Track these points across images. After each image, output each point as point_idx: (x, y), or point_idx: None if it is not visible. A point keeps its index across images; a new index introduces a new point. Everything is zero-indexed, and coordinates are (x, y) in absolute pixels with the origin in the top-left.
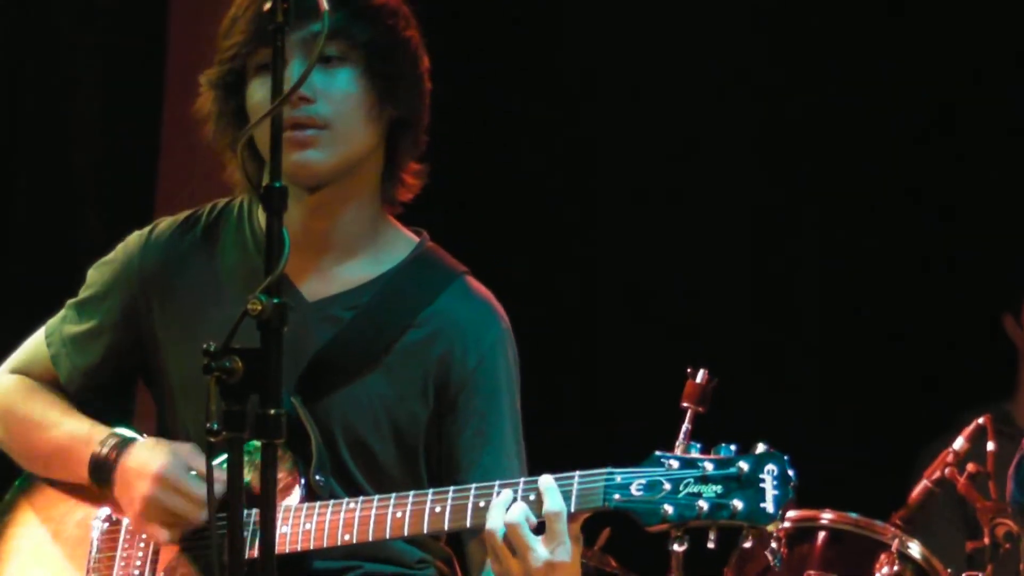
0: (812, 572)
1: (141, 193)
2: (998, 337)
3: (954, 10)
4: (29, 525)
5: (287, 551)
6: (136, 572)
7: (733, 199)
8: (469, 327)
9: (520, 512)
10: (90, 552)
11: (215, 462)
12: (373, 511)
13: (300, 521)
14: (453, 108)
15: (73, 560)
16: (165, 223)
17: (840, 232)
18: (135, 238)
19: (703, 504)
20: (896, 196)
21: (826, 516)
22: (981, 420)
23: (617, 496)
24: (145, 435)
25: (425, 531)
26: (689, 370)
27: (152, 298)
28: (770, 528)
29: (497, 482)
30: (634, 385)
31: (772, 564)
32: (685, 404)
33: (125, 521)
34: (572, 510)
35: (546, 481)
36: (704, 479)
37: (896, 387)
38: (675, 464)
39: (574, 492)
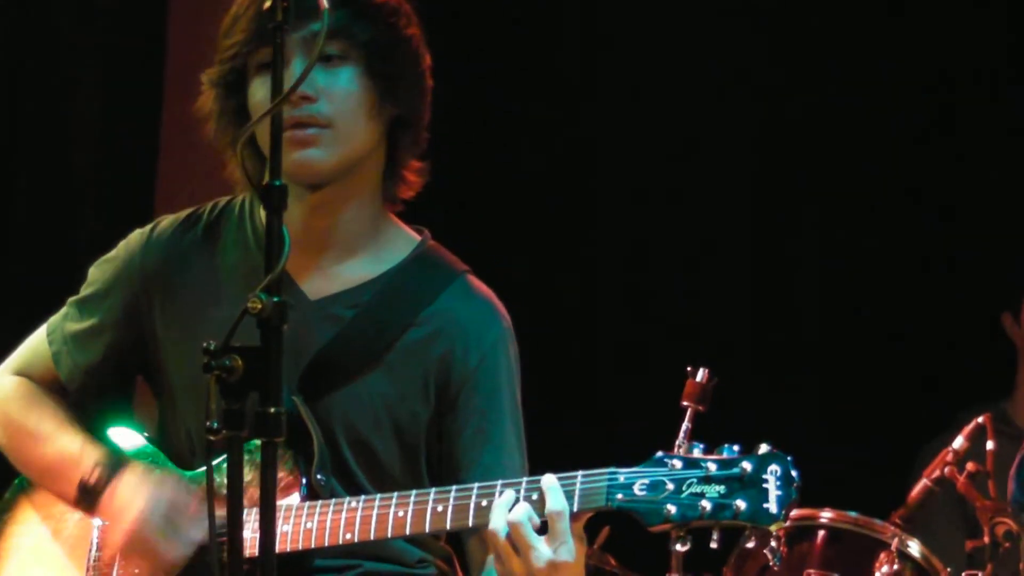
0: (812, 571)
1: (141, 193)
2: (997, 337)
3: (954, 10)
4: (29, 524)
5: (288, 550)
6: (136, 571)
7: (733, 199)
8: (471, 326)
9: (523, 512)
10: (90, 551)
11: (215, 462)
12: (375, 510)
13: (301, 520)
14: (453, 108)
15: (73, 559)
16: (167, 221)
17: (840, 232)
18: (137, 236)
19: (706, 504)
20: (896, 196)
21: (825, 515)
22: (981, 419)
23: (620, 496)
24: (146, 432)
25: (427, 530)
26: (689, 369)
27: (153, 296)
28: (773, 528)
29: (499, 481)
30: (634, 385)
31: (772, 563)
32: (685, 403)
33: None
34: (575, 510)
35: (549, 480)
36: (707, 479)
37: (896, 387)
38: (678, 464)
39: (577, 492)
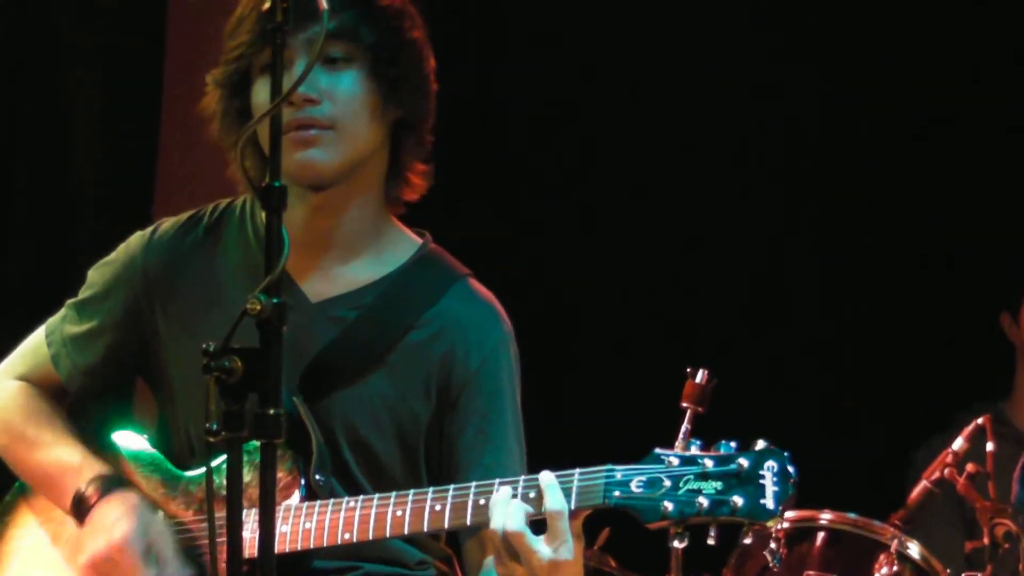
0: (811, 572)
1: (141, 193)
2: (996, 336)
3: (954, 10)
4: (28, 527)
5: (287, 550)
6: None
7: (733, 198)
8: (472, 328)
9: (520, 517)
10: None
11: (213, 464)
12: (373, 510)
13: (300, 520)
14: (453, 107)
15: (72, 562)
16: (167, 223)
17: (839, 230)
18: (137, 238)
19: (703, 501)
20: (895, 194)
21: (825, 516)
22: (980, 420)
23: (617, 493)
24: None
25: (425, 529)
26: (689, 370)
27: (155, 298)
28: (770, 524)
29: (497, 480)
30: (634, 385)
31: (771, 564)
32: (685, 404)
33: None
34: (572, 507)
35: (546, 478)
36: (704, 476)
37: (895, 386)
38: (675, 461)
39: (574, 489)
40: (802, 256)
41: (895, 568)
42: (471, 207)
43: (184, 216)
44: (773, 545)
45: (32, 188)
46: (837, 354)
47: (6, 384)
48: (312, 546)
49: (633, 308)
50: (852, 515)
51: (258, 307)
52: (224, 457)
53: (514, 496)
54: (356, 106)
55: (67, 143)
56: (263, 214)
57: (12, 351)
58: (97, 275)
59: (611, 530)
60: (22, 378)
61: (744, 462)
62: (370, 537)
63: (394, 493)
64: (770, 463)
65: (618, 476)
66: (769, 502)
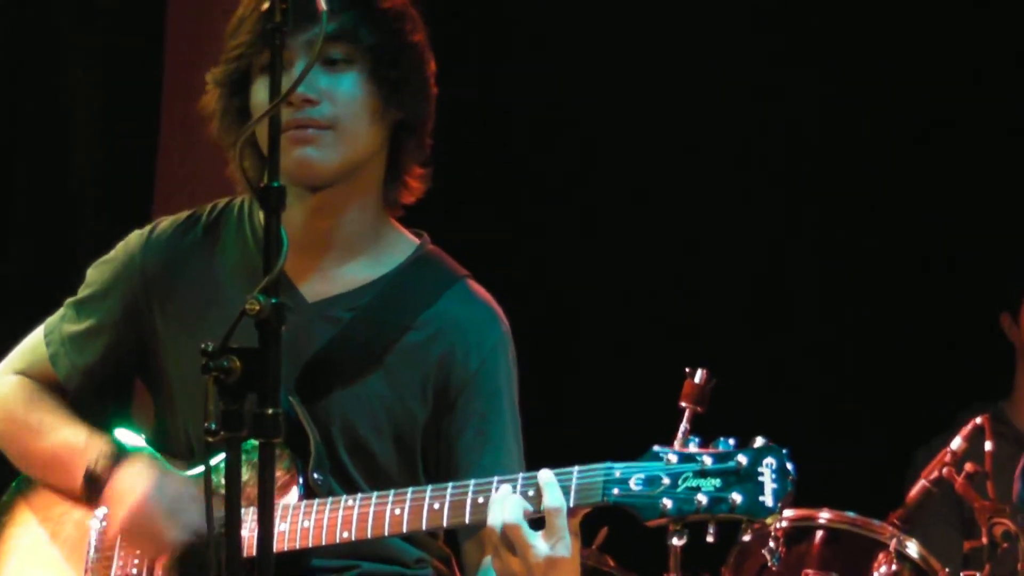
0: (810, 571)
1: (140, 193)
2: (996, 337)
3: (954, 10)
4: (27, 525)
5: (285, 549)
6: (134, 572)
7: (733, 199)
8: (470, 330)
9: (518, 511)
10: (88, 552)
11: (212, 462)
12: (372, 508)
13: (298, 519)
14: (455, 110)
15: (71, 561)
16: (166, 222)
17: (840, 232)
18: (135, 237)
19: (702, 498)
20: (897, 197)
21: (824, 515)
22: (979, 420)
23: (616, 491)
24: (144, 434)
25: (424, 527)
26: (688, 370)
27: (153, 297)
28: (769, 521)
29: (496, 478)
30: (634, 385)
31: (770, 563)
32: (684, 404)
33: None
34: (571, 505)
35: (545, 476)
36: (703, 473)
37: (896, 387)
38: (673, 458)
39: (573, 487)
40: (803, 258)
41: (894, 567)
42: (472, 209)
43: (183, 215)
44: (772, 544)
45: (32, 188)
46: (838, 356)
47: (5, 379)
48: (311, 545)
49: (634, 310)
50: (851, 514)
51: (257, 307)
52: (222, 456)
53: (513, 493)
54: (356, 107)
55: (67, 143)
56: (261, 214)
57: (12, 351)
58: (96, 274)
59: (609, 529)
60: (21, 374)
61: (743, 459)
62: (368, 535)
63: (392, 491)
64: (769, 460)
65: (617, 474)
66: (768, 499)
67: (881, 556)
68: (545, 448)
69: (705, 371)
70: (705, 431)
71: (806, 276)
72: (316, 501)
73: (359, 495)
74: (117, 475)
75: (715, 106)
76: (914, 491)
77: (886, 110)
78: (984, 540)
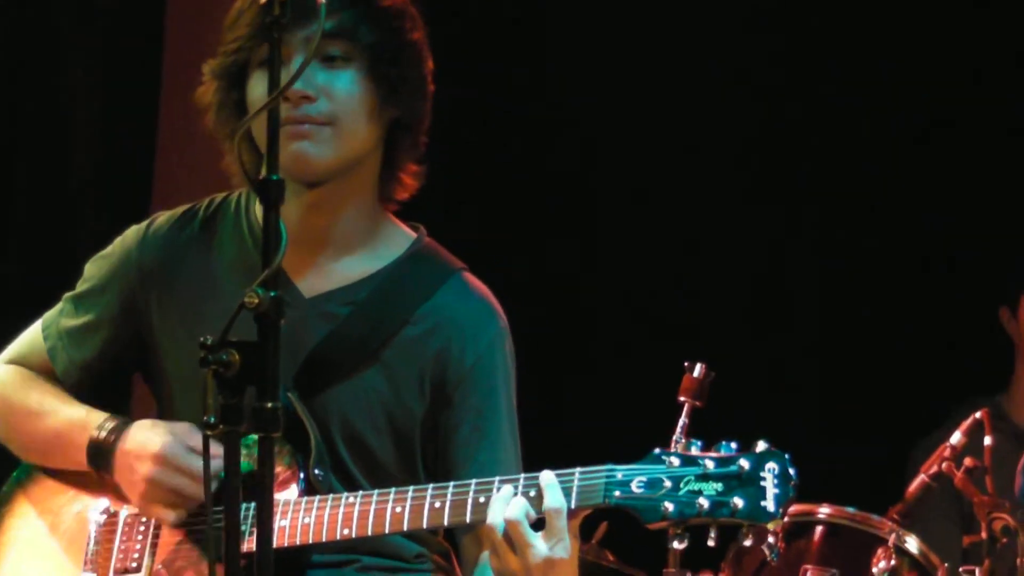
0: (809, 566)
1: (140, 193)
2: (997, 335)
3: (954, 10)
4: (27, 517)
5: (286, 545)
6: (134, 564)
7: (733, 199)
8: (467, 324)
9: (520, 508)
10: (88, 544)
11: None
12: (372, 506)
13: (299, 515)
14: (453, 107)
15: (71, 552)
16: (163, 218)
17: (840, 232)
18: (133, 232)
19: (703, 502)
20: (897, 197)
21: (823, 511)
22: (978, 415)
23: (617, 493)
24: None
25: (424, 526)
26: (686, 364)
27: (150, 292)
28: (770, 526)
29: (497, 478)
30: (634, 385)
31: (769, 559)
32: (682, 398)
33: (123, 513)
34: (572, 507)
35: (547, 477)
36: (705, 477)
37: (896, 387)
38: (676, 461)
39: (575, 489)
40: (803, 258)
41: (893, 562)
42: (472, 209)
43: (179, 211)
44: (771, 539)
45: (32, 188)
46: (838, 356)
47: (2, 368)
48: (311, 541)
49: (634, 310)
50: (850, 509)
51: (256, 300)
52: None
53: (515, 495)
54: (353, 105)
55: (67, 143)
56: (258, 209)
57: (9, 345)
58: (94, 268)
59: (609, 524)
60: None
61: (745, 463)
62: (369, 533)
63: (393, 489)
64: (771, 465)
65: (619, 476)
66: (770, 504)
67: (880, 551)
68: (545, 448)
69: (703, 365)
70: (705, 430)
71: (806, 276)
72: (317, 498)
73: (360, 492)
74: (126, 438)
75: (715, 106)
76: (913, 486)
77: (886, 110)
78: (983, 535)
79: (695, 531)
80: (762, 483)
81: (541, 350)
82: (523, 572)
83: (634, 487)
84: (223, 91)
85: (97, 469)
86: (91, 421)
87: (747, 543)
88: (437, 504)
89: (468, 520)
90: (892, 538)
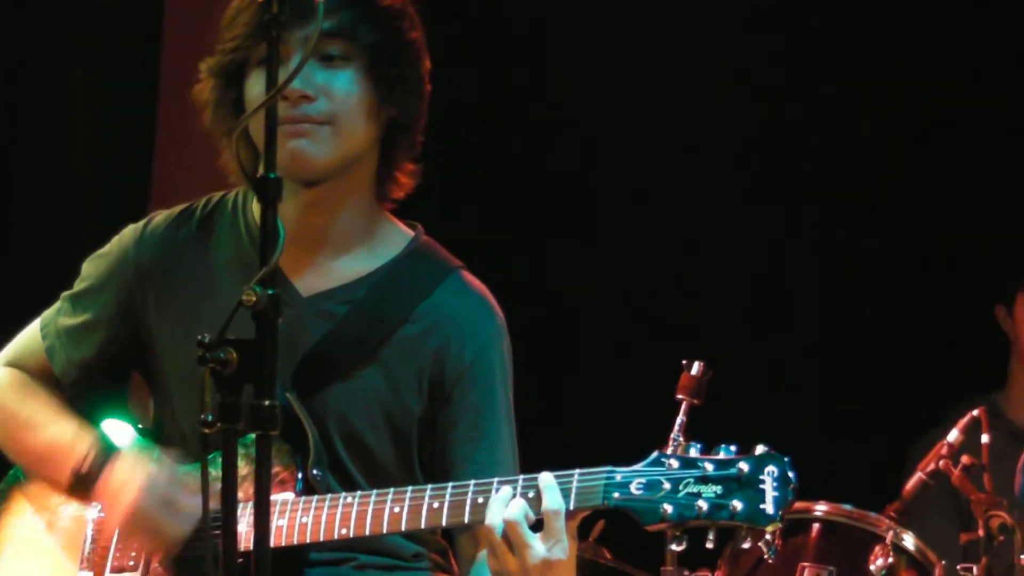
0: (806, 564)
1: (140, 194)
2: (996, 336)
3: (954, 10)
4: (23, 515)
5: (283, 544)
6: (131, 563)
7: (733, 199)
8: (465, 322)
9: (519, 509)
10: (84, 543)
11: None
12: (371, 506)
13: (297, 514)
14: (453, 107)
15: (67, 551)
16: (160, 216)
17: (840, 232)
18: (130, 231)
19: (702, 504)
20: (897, 197)
21: (820, 508)
22: (976, 412)
23: (616, 495)
24: (140, 426)
25: (422, 526)
26: (684, 362)
27: (148, 291)
28: (769, 529)
29: (496, 479)
30: (634, 385)
31: (766, 556)
32: (680, 396)
33: None
34: (571, 508)
35: (546, 479)
36: (704, 479)
37: (897, 389)
38: (675, 464)
39: (573, 490)
40: (803, 258)
41: (890, 560)
42: (472, 209)
43: (176, 209)
44: (768, 537)
45: (32, 188)
46: (838, 356)
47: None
48: (308, 540)
49: (634, 310)
50: (847, 507)
51: (254, 298)
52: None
53: (514, 496)
54: (352, 104)
55: (67, 143)
56: (255, 208)
57: (7, 344)
58: (91, 267)
59: (606, 524)
60: (16, 367)
61: (744, 466)
62: (367, 533)
63: (392, 489)
64: (770, 468)
65: (618, 478)
66: (769, 507)
67: (878, 549)
68: (545, 448)
69: (701, 363)
70: (705, 430)
71: (806, 276)
72: (315, 497)
73: (358, 492)
74: (109, 472)
75: (715, 106)
76: (910, 484)
77: (886, 110)
78: (980, 532)
79: (693, 533)
80: (761, 486)
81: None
82: (521, 573)
83: (633, 489)
84: (221, 89)
85: (77, 498)
86: (78, 446)
87: (745, 546)
88: (435, 504)
89: (466, 521)
90: (889, 536)
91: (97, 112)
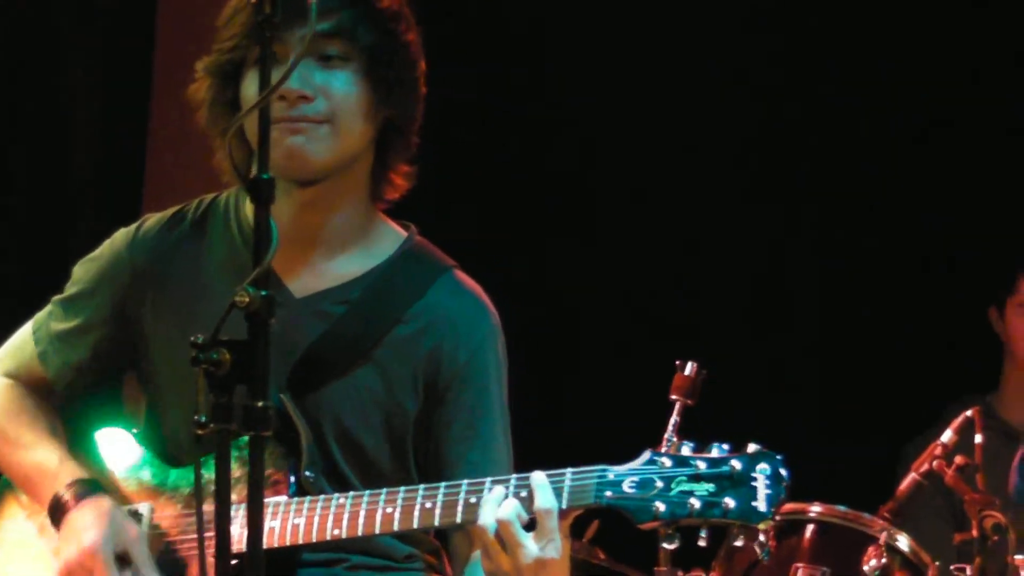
0: (800, 565)
1: (140, 194)
2: (995, 335)
3: (954, 10)
4: (16, 519)
5: (276, 545)
6: None
7: (732, 199)
8: (460, 321)
9: (512, 509)
10: None
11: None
12: (363, 507)
13: (289, 516)
14: (452, 107)
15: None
16: (152, 219)
17: (839, 232)
18: (122, 235)
19: (695, 502)
20: (896, 197)
21: (814, 509)
22: (969, 413)
23: (609, 493)
24: (135, 429)
25: (415, 527)
26: (678, 362)
27: (144, 293)
28: (762, 527)
29: (489, 478)
30: (634, 385)
31: (760, 557)
32: (674, 396)
33: None
34: (564, 507)
35: (538, 478)
36: (696, 477)
37: (895, 387)
38: (668, 462)
39: (566, 489)
40: (802, 258)
41: (884, 560)
42: (471, 209)
43: (169, 212)
44: (762, 538)
45: (32, 188)
46: (838, 356)
47: None
48: (301, 542)
49: (634, 310)
50: (841, 508)
51: (247, 299)
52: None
53: (506, 496)
54: (350, 104)
55: (67, 143)
56: (248, 209)
57: None
58: (82, 271)
59: (600, 523)
60: (9, 375)
61: (737, 464)
62: (359, 533)
63: (384, 490)
64: (763, 465)
65: (610, 476)
66: (761, 504)
67: (871, 550)
68: (544, 448)
69: (695, 364)
70: (704, 430)
71: (806, 276)
72: (307, 498)
73: (351, 493)
74: (75, 513)
75: (714, 106)
76: (904, 484)
77: (886, 110)
78: (974, 533)
79: (686, 531)
80: (753, 484)
81: (540, 350)
82: (514, 572)
83: (626, 487)
84: (216, 88)
85: (53, 523)
86: (61, 475)
87: (738, 544)
88: (428, 505)
89: (459, 520)
90: (883, 536)
91: (97, 112)
